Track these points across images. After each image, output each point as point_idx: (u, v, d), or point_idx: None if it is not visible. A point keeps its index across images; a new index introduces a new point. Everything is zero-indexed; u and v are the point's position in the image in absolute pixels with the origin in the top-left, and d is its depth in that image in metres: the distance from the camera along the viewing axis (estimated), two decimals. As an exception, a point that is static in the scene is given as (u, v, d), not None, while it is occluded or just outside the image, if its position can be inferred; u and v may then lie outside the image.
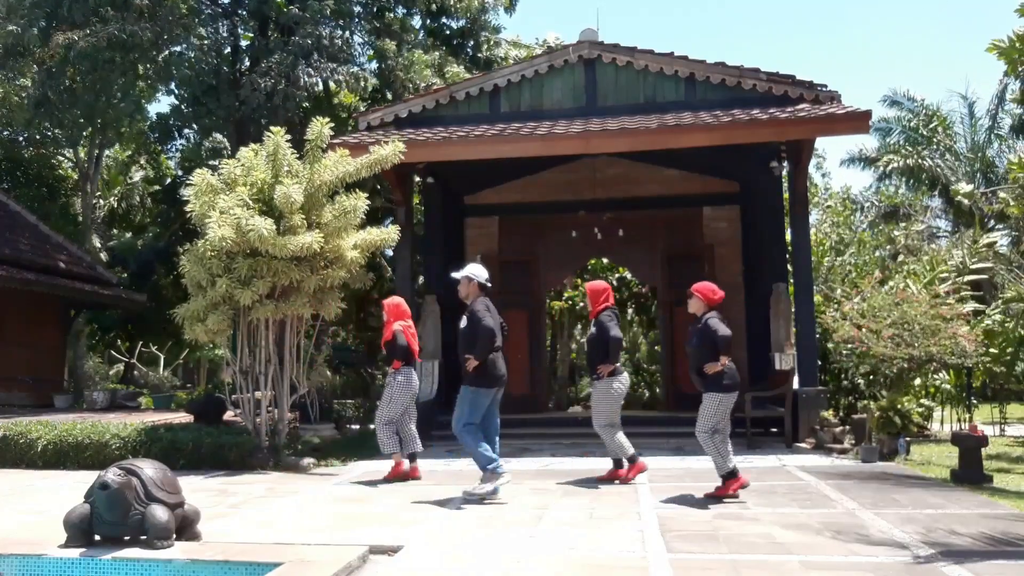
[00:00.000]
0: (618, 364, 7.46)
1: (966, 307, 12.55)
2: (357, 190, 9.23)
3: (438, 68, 15.77)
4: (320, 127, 9.29)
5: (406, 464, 7.98)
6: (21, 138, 20.68)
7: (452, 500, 6.72)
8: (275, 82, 13.86)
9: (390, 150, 9.30)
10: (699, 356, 6.57)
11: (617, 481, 7.48)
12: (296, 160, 9.25)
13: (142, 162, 24.43)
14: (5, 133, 20.70)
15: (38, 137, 19.90)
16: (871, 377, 11.15)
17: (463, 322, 6.93)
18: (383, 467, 8.98)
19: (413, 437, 8.07)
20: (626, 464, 7.56)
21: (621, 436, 7.49)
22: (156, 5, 14.09)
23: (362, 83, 15.26)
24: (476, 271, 7.07)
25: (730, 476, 6.50)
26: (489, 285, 7.08)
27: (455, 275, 7.20)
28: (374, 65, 16.67)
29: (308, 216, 8.93)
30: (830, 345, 11.35)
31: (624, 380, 7.55)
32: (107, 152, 22.74)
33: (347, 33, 15.39)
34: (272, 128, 9.40)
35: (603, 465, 8.39)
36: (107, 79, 14.16)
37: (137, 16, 13.79)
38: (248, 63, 15.71)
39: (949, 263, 15.16)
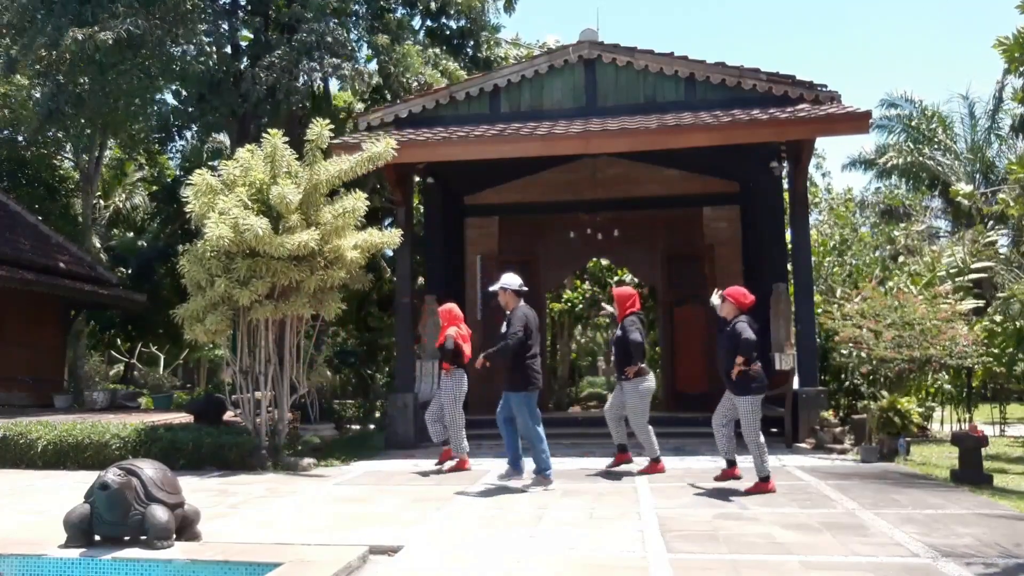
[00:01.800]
0: (643, 365, 7.87)
1: (966, 305, 12.56)
2: (356, 190, 9.24)
3: (434, 64, 15.70)
4: (320, 128, 9.30)
5: (471, 462, 8.58)
6: (21, 138, 20.68)
7: (453, 500, 6.73)
8: (277, 77, 13.85)
9: (383, 146, 9.34)
10: (729, 359, 6.86)
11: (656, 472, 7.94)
12: (295, 161, 9.26)
13: (143, 162, 24.42)
14: (6, 133, 20.70)
15: (40, 139, 19.90)
16: (871, 377, 11.15)
17: (504, 327, 7.46)
18: (383, 467, 9.01)
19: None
20: (647, 461, 8.01)
21: (652, 435, 7.92)
22: (163, 2, 14.10)
23: (365, 78, 15.23)
24: (509, 281, 7.55)
25: (766, 479, 6.86)
26: (525, 290, 7.62)
27: (491, 289, 7.77)
28: (373, 66, 16.67)
29: (307, 216, 8.94)
30: (830, 345, 11.36)
31: (651, 379, 7.94)
32: (107, 153, 22.73)
33: (346, 32, 15.36)
34: (270, 131, 9.41)
35: (603, 465, 8.41)
36: (115, 82, 14.16)
37: (147, 14, 13.80)
38: (248, 61, 15.70)
39: (945, 260, 15.16)
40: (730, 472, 7.30)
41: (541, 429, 7.38)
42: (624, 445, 8.09)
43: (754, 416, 6.89)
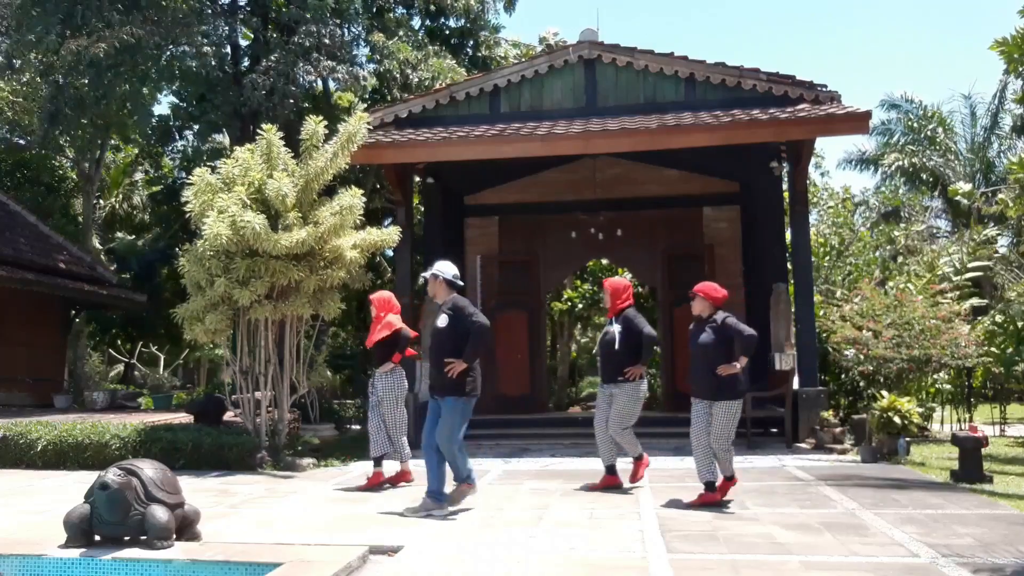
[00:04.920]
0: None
1: (966, 304, 12.57)
2: (353, 186, 9.25)
3: (431, 61, 15.67)
4: (314, 126, 9.30)
5: (385, 474, 7.61)
6: (20, 139, 20.67)
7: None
8: (274, 80, 13.87)
9: (355, 122, 9.31)
10: (713, 357, 6.23)
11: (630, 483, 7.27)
12: (291, 159, 9.28)
13: (143, 164, 24.41)
14: (7, 135, 20.68)
15: (43, 140, 19.92)
16: (871, 377, 11.15)
17: (442, 320, 6.21)
18: (383, 467, 8.97)
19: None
20: (631, 463, 7.30)
21: (632, 435, 7.17)
22: (159, 7, 14.12)
23: (362, 82, 15.23)
24: (441, 268, 6.36)
25: (712, 486, 6.39)
26: (460, 284, 6.46)
27: (423, 275, 6.60)
28: (372, 67, 16.68)
29: (304, 214, 8.94)
30: (829, 346, 11.36)
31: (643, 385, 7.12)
32: (107, 153, 22.72)
33: (344, 33, 15.35)
34: (264, 127, 9.41)
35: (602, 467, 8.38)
36: (113, 83, 14.17)
37: (143, 20, 13.81)
38: (248, 62, 15.71)
39: (942, 260, 15.18)
40: (729, 484, 6.51)
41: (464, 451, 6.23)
42: (640, 454, 7.20)
43: (733, 423, 6.27)
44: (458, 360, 6.03)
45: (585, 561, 4.71)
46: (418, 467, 7.69)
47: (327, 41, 14.25)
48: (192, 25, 14.52)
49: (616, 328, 7.03)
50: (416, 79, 14.99)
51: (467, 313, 6.14)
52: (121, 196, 24.72)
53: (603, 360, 7.17)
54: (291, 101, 13.91)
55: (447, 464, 6.21)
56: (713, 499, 6.32)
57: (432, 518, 5.99)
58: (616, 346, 6.96)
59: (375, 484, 7.52)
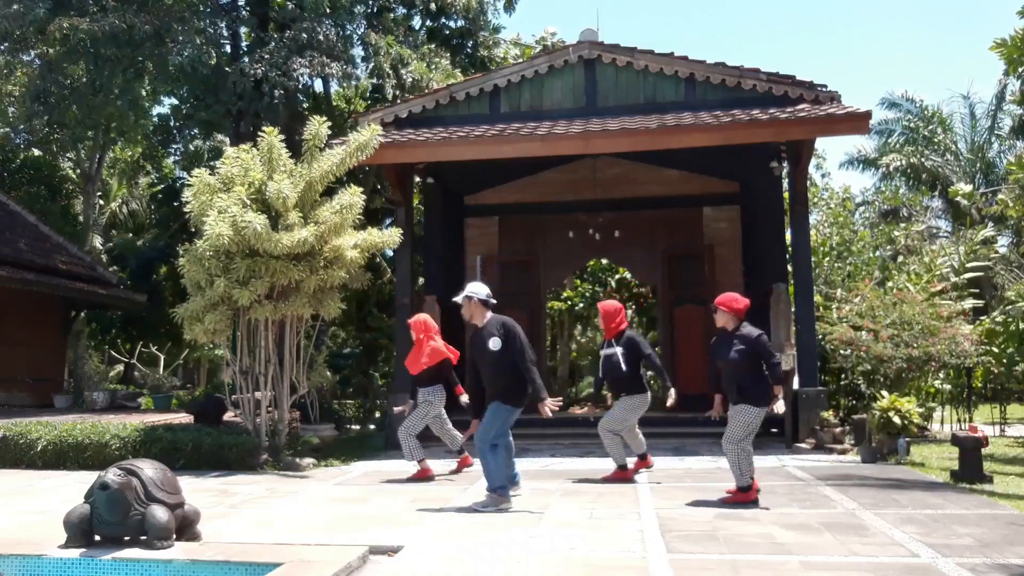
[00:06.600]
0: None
1: (965, 304, 12.56)
2: (352, 185, 9.24)
3: (429, 63, 15.64)
4: (317, 126, 9.30)
5: (433, 469, 8.16)
6: (23, 135, 20.65)
7: (453, 501, 6.73)
8: (265, 71, 13.82)
9: (368, 134, 9.34)
10: (744, 372, 6.35)
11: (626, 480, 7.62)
12: (290, 160, 9.28)
13: (145, 165, 24.40)
14: (4, 131, 20.66)
15: (35, 136, 19.85)
16: (871, 377, 11.15)
17: (495, 344, 6.36)
18: (383, 467, 9.01)
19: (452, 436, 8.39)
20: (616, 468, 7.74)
21: (620, 442, 7.65)
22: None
23: (354, 80, 15.24)
24: (475, 289, 6.56)
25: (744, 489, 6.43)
26: (493, 302, 6.61)
27: (456, 299, 6.71)
28: (366, 65, 16.68)
29: (305, 214, 8.95)
30: (829, 346, 11.36)
31: (647, 399, 7.57)
32: (108, 154, 22.71)
33: (343, 32, 15.33)
34: (265, 128, 9.42)
35: (604, 466, 8.39)
36: (110, 74, 14.14)
37: (137, 9, 13.79)
38: (247, 61, 15.71)
39: (940, 260, 15.18)
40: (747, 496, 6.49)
41: (501, 449, 6.48)
42: (624, 465, 7.65)
43: (747, 426, 6.33)
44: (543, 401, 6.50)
45: (585, 561, 4.71)
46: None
47: (321, 38, 14.20)
48: (190, 21, 14.49)
49: (619, 350, 7.49)
50: (410, 79, 14.98)
51: (515, 345, 6.41)
52: (120, 199, 24.73)
53: (610, 381, 7.67)
54: (281, 92, 13.83)
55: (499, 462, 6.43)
56: (746, 498, 6.38)
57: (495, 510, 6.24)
58: (624, 368, 7.44)
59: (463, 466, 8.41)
